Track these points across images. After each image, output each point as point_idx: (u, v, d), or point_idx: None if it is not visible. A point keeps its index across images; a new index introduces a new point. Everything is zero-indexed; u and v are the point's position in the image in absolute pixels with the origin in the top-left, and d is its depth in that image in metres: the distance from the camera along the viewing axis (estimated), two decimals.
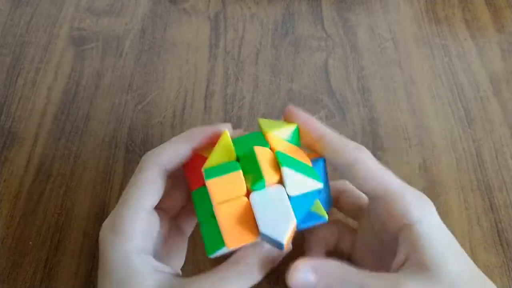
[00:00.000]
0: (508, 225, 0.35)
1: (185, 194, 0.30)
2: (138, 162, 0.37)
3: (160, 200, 0.28)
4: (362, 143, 0.39)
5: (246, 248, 0.26)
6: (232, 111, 0.41)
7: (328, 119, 0.40)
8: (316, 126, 0.28)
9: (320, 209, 0.27)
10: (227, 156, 0.27)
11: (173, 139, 0.29)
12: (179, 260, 0.31)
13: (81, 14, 0.46)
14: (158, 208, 0.28)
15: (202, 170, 0.26)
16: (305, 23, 0.47)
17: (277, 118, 0.40)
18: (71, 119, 0.40)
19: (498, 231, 0.35)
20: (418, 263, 0.24)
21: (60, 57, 0.43)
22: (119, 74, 0.43)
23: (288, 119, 0.29)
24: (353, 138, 0.39)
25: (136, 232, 0.25)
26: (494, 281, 0.29)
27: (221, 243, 0.25)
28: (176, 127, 0.39)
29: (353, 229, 0.31)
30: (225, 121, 0.40)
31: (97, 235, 0.34)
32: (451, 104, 0.42)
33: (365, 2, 0.49)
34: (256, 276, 0.26)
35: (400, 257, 0.26)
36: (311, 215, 0.27)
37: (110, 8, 0.47)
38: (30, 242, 0.34)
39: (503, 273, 0.33)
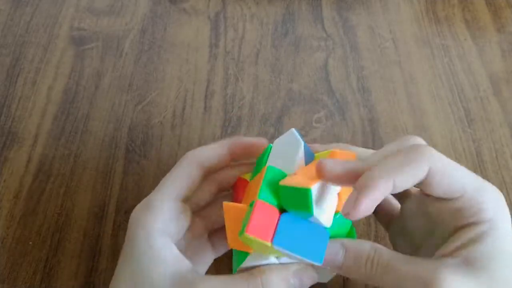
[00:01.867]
0: None
1: (214, 190, 0.31)
2: (138, 162, 0.38)
3: (199, 204, 0.29)
4: (362, 143, 0.39)
5: (270, 266, 0.26)
6: (232, 111, 0.41)
7: (328, 119, 0.40)
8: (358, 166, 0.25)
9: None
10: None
11: (216, 141, 0.30)
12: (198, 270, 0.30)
13: (81, 14, 0.46)
14: (197, 214, 0.30)
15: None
16: (305, 23, 0.47)
17: (277, 118, 0.40)
18: (71, 119, 0.40)
19: None
20: (469, 257, 0.23)
21: (60, 57, 0.43)
22: (119, 74, 0.43)
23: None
24: (353, 138, 0.39)
25: (163, 212, 0.26)
26: None
27: (240, 260, 0.26)
28: (176, 127, 0.39)
29: (393, 205, 0.31)
30: (225, 121, 0.40)
31: (97, 235, 0.34)
32: (451, 104, 0.42)
33: (365, 2, 0.49)
34: None
35: (449, 247, 0.24)
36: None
37: (110, 8, 0.47)
38: (30, 242, 0.34)
39: None
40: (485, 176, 0.38)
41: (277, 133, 0.39)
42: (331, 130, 0.40)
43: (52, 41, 0.44)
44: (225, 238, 0.27)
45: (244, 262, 0.26)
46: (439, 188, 0.24)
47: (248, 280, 0.25)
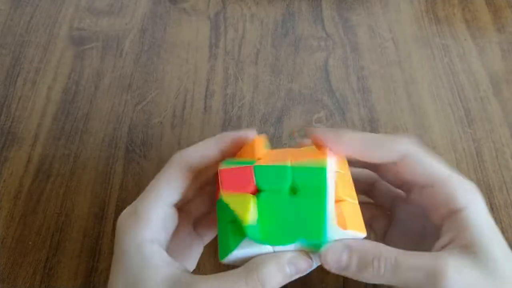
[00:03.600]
0: (508, 225, 0.35)
1: (209, 202, 0.30)
2: (138, 162, 0.38)
3: (183, 202, 0.28)
4: None
5: (263, 256, 0.25)
6: (232, 111, 0.41)
7: (328, 119, 0.40)
8: (347, 137, 0.27)
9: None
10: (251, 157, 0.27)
11: (203, 141, 0.29)
12: (190, 264, 0.30)
13: (81, 14, 0.46)
14: (181, 210, 0.28)
15: (220, 162, 0.27)
16: (305, 23, 0.47)
17: (277, 118, 0.40)
18: (71, 119, 0.40)
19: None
20: (464, 244, 0.24)
21: (60, 57, 0.43)
22: (119, 74, 0.43)
23: (317, 147, 0.28)
24: None
25: (152, 221, 0.26)
26: None
27: (232, 247, 0.25)
28: (176, 127, 0.39)
29: (386, 214, 0.32)
30: (225, 121, 0.40)
31: (97, 235, 0.34)
32: (451, 104, 0.42)
33: (365, 2, 0.49)
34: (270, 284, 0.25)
35: (444, 239, 0.26)
36: None
37: (110, 8, 0.47)
38: (30, 242, 0.34)
39: None
40: (485, 176, 0.38)
41: (277, 133, 0.39)
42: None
43: (52, 41, 0.44)
44: (210, 224, 0.28)
45: (233, 253, 0.25)
46: (413, 173, 0.27)
47: (246, 278, 0.24)
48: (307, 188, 0.25)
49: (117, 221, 0.27)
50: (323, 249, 0.25)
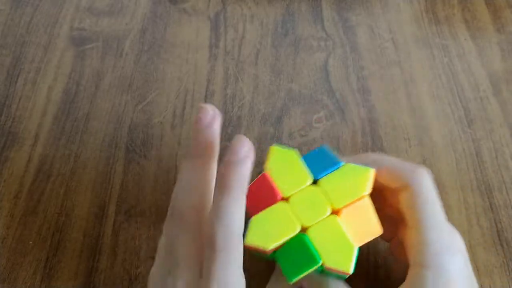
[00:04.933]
0: (508, 225, 0.35)
1: None
2: (138, 162, 0.38)
3: None
4: (362, 143, 0.39)
5: None
6: (232, 111, 0.41)
7: (328, 119, 0.40)
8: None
9: None
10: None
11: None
12: None
13: (81, 14, 0.46)
14: None
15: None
16: (305, 23, 0.47)
17: (277, 118, 0.40)
18: (71, 119, 0.40)
19: (497, 231, 0.35)
20: None
21: (60, 57, 0.43)
22: (119, 74, 0.43)
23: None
24: (353, 138, 0.39)
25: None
26: (494, 281, 0.29)
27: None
28: (176, 127, 0.40)
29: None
30: (225, 121, 0.40)
31: (97, 235, 0.34)
32: (451, 104, 0.42)
33: (365, 2, 0.49)
34: (241, 187, 0.24)
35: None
36: None
37: (110, 8, 0.47)
38: (30, 242, 0.34)
39: (502, 273, 0.33)
40: (484, 176, 0.38)
41: (277, 133, 0.39)
42: (331, 130, 0.40)
43: (52, 41, 0.44)
44: None
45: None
46: (407, 205, 0.27)
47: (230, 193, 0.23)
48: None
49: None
50: None
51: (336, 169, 0.27)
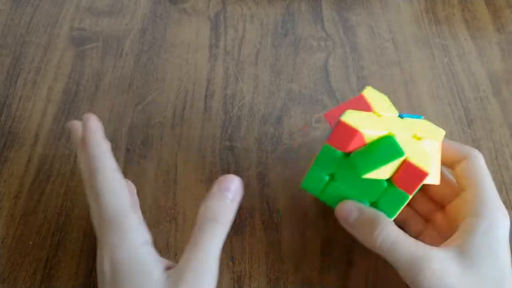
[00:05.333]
0: None
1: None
2: (138, 162, 0.38)
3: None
4: None
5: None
6: (232, 111, 0.41)
7: None
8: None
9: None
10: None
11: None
12: None
13: (81, 14, 0.46)
14: None
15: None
16: (305, 23, 0.47)
17: (277, 118, 0.40)
18: (71, 119, 0.40)
19: None
20: (459, 247, 0.27)
21: (60, 57, 0.43)
22: (119, 74, 0.43)
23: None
24: None
25: (135, 227, 0.27)
26: None
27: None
28: (176, 127, 0.40)
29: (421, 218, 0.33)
30: (225, 121, 0.40)
31: None
32: (451, 104, 0.42)
33: (365, 2, 0.49)
34: (224, 224, 0.27)
35: (447, 241, 0.28)
36: None
37: (110, 8, 0.47)
38: (30, 242, 0.34)
39: None
40: None
41: (277, 133, 0.40)
42: (331, 130, 0.40)
43: (52, 41, 0.44)
44: None
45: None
46: (465, 174, 0.30)
47: (211, 230, 0.26)
48: None
49: (98, 245, 0.27)
50: (341, 202, 0.30)
51: (417, 118, 0.31)
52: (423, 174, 0.26)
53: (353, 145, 0.28)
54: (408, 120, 0.30)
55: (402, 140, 0.27)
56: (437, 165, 0.29)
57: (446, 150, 0.31)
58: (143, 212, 0.35)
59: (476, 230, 0.27)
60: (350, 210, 0.29)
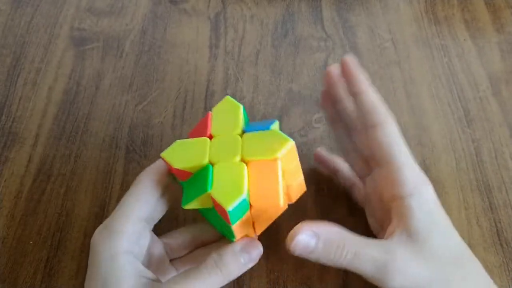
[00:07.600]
0: (507, 225, 0.35)
1: (188, 245, 0.32)
2: (138, 162, 0.38)
3: (154, 218, 0.30)
4: None
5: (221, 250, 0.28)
6: None
7: (327, 120, 0.40)
8: (360, 80, 0.30)
9: None
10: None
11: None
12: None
13: (82, 15, 0.46)
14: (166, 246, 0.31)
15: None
16: (305, 23, 0.47)
17: (277, 118, 0.40)
18: (72, 119, 0.40)
19: (497, 230, 0.35)
20: (407, 233, 0.27)
21: (60, 57, 0.44)
22: (119, 74, 0.43)
23: (345, 72, 0.31)
24: None
25: (125, 234, 0.27)
26: (494, 281, 0.29)
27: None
28: (176, 127, 0.40)
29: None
30: None
31: None
32: (451, 104, 0.42)
33: (365, 3, 0.49)
34: (224, 276, 0.27)
35: (392, 226, 0.28)
36: None
37: (110, 9, 0.47)
38: (31, 242, 0.34)
39: (502, 272, 0.33)
40: (484, 176, 0.38)
41: None
42: (330, 130, 0.40)
43: (53, 41, 0.45)
44: (186, 263, 0.31)
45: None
46: (377, 143, 0.29)
47: (212, 275, 0.26)
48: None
49: (92, 237, 0.27)
50: (292, 232, 0.27)
51: (264, 130, 0.28)
52: (224, 210, 0.25)
53: (180, 177, 0.28)
54: (248, 136, 0.28)
55: (222, 169, 0.27)
56: (274, 186, 0.26)
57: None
58: None
59: (412, 211, 0.27)
60: (307, 238, 0.27)
